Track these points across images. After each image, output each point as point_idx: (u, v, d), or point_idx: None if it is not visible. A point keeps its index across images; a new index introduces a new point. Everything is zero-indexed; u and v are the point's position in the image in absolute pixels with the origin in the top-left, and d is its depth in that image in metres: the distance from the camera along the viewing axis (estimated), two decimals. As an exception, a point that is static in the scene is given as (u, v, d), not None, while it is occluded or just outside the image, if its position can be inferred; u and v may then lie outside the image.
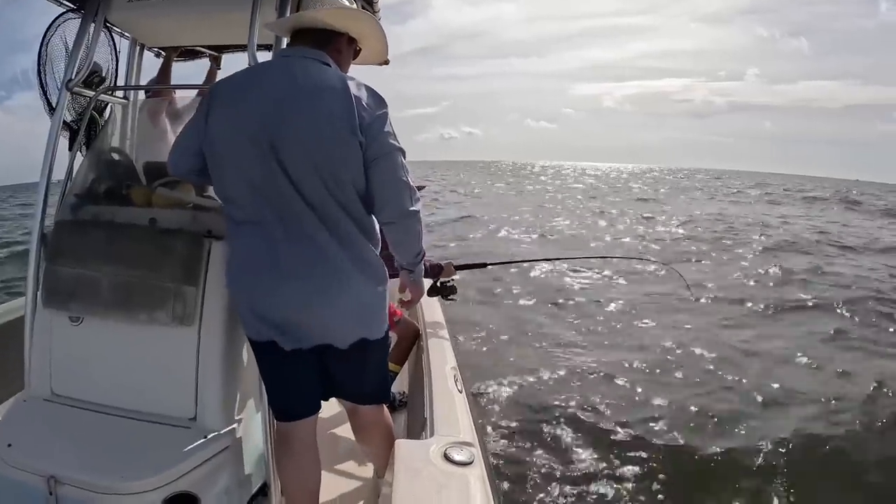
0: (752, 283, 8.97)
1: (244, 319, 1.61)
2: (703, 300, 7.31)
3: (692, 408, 4.47)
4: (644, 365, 5.29)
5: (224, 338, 1.78)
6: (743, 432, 4.12)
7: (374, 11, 2.20)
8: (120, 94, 2.33)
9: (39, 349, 1.90)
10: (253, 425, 1.88)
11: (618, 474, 3.55)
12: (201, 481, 1.62)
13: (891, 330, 6.60)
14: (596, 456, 3.75)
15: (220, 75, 2.62)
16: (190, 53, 2.64)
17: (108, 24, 2.21)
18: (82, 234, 1.87)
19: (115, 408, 1.79)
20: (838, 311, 7.31)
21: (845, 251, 12.41)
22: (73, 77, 2.03)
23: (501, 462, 3.62)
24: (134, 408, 1.79)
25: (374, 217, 1.56)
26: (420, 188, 3.12)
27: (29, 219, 2.00)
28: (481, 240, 13.48)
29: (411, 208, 1.52)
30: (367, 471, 2.30)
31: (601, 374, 5.08)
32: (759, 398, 4.65)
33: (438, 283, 2.89)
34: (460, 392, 1.84)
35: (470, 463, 1.25)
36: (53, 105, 2.08)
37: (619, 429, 4.07)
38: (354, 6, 1.71)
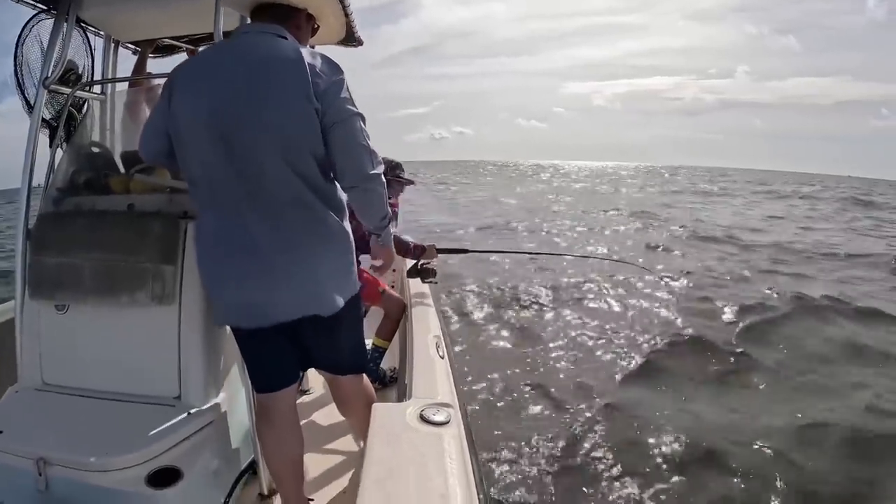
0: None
1: (212, 301, 1.63)
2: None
3: (670, 375, 4.75)
4: (621, 338, 5.78)
5: (204, 315, 1.80)
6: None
7: None
8: (97, 90, 2.37)
9: (29, 341, 1.94)
10: (238, 401, 1.90)
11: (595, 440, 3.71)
12: (184, 456, 1.64)
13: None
14: (579, 421, 3.95)
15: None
16: (167, 49, 2.67)
17: (81, 23, 2.25)
18: (64, 225, 1.90)
19: (103, 391, 1.83)
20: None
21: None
22: (49, 75, 2.06)
23: (483, 425, 3.77)
24: (121, 390, 1.82)
25: (336, 184, 1.57)
26: (409, 182, 3.12)
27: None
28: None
29: (372, 171, 1.51)
30: (354, 445, 2.31)
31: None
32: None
33: (419, 266, 2.88)
34: (442, 358, 1.83)
35: (447, 423, 1.24)
36: (32, 104, 2.11)
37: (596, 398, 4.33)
38: None
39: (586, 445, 3.61)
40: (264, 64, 1.45)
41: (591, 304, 7.19)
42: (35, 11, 2.16)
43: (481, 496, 1.22)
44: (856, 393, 4.46)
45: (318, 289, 1.53)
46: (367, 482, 1.01)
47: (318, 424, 2.51)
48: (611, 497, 3.10)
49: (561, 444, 3.62)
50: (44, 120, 2.11)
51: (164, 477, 1.57)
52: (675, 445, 3.64)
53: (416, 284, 2.85)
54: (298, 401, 1.82)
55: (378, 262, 1.81)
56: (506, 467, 3.32)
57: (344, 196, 1.60)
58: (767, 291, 7.52)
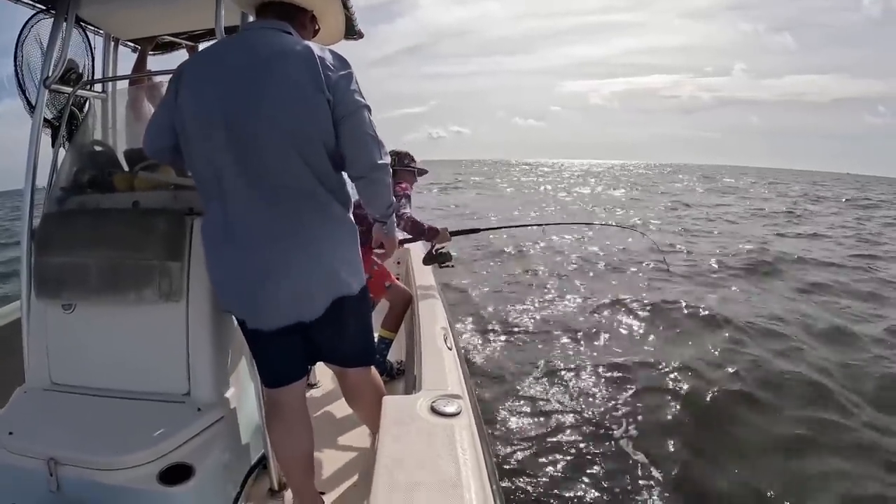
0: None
1: (219, 296, 1.64)
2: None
3: (675, 361, 4.70)
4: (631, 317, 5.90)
5: (212, 311, 1.80)
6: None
7: None
8: (98, 88, 2.37)
9: (36, 341, 1.93)
10: (247, 396, 1.90)
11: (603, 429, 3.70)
12: (195, 452, 1.64)
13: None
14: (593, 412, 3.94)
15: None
16: (167, 46, 2.67)
17: (81, 22, 2.24)
18: (68, 224, 1.90)
19: (112, 390, 1.82)
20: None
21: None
22: (49, 75, 2.06)
23: (496, 414, 3.80)
24: (129, 388, 1.81)
25: (344, 176, 1.58)
26: (423, 171, 3.09)
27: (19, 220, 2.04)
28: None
29: (380, 161, 1.52)
30: (364, 438, 2.30)
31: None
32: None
33: (434, 251, 2.86)
34: (450, 349, 1.83)
35: (457, 414, 1.24)
36: (33, 104, 2.11)
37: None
38: None
39: (601, 434, 3.59)
40: (274, 58, 1.45)
41: (603, 285, 7.27)
42: (34, 11, 2.15)
43: (494, 486, 1.21)
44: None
45: (336, 278, 1.54)
46: (380, 473, 1.00)
47: (327, 418, 2.51)
48: (627, 487, 3.07)
49: (574, 433, 3.59)
50: (46, 120, 2.11)
51: (176, 474, 1.57)
52: (694, 428, 3.64)
53: (422, 276, 2.83)
54: (307, 395, 1.82)
55: (380, 251, 1.81)
56: (518, 458, 3.30)
57: (351, 188, 1.60)
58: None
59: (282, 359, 1.65)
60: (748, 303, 6.65)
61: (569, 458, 3.33)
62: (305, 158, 1.46)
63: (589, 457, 3.35)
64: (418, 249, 3.44)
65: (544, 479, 3.12)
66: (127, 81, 2.51)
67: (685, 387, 4.28)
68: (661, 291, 7.01)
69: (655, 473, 3.17)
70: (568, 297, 6.89)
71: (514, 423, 3.71)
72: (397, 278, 3.10)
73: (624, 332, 5.64)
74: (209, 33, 2.53)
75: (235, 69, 1.45)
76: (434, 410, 1.24)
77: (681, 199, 23.52)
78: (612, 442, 3.50)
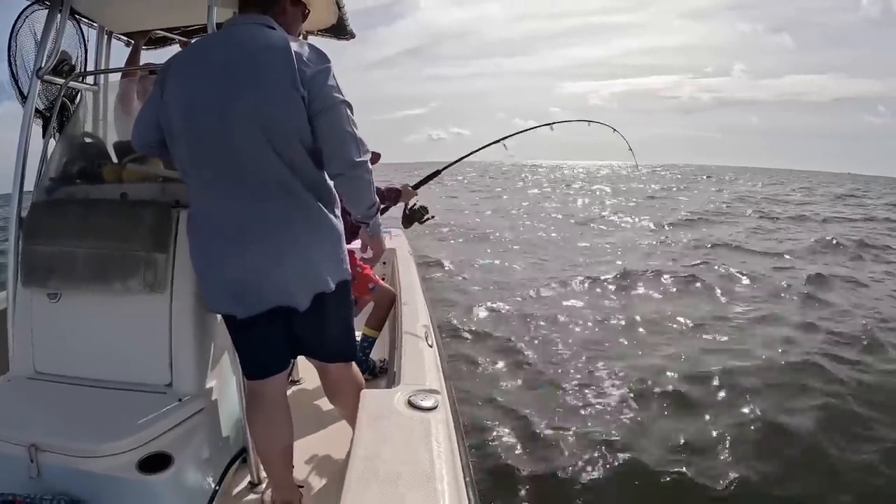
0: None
1: (203, 290, 1.65)
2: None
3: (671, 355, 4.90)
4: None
5: (195, 303, 1.81)
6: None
7: None
8: (90, 80, 2.38)
9: (21, 330, 1.94)
10: (229, 390, 1.92)
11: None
12: (175, 442, 1.65)
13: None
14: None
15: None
16: (160, 41, 2.69)
17: (75, 14, 2.26)
18: (56, 213, 1.91)
19: (95, 380, 1.83)
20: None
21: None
22: (42, 65, 2.07)
23: (475, 410, 3.90)
24: (113, 378, 1.83)
25: (326, 174, 1.59)
26: (377, 155, 3.01)
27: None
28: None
29: (358, 159, 1.53)
30: (344, 433, 2.32)
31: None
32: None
33: (408, 211, 2.81)
34: (430, 346, 1.85)
35: (434, 408, 1.26)
36: (25, 94, 2.12)
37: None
38: None
39: (579, 434, 3.64)
40: (251, 53, 1.47)
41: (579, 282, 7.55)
42: (29, 2, 2.17)
43: (468, 479, 1.24)
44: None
45: (317, 273, 1.55)
46: (354, 465, 1.03)
47: (308, 413, 2.52)
48: (598, 483, 3.14)
49: (548, 430, 3.66)
50: (37, 110, 2.12)
51: (156, 463, 1.58)
52: (672, 427, 3.72)
53: (406, 276, 2.85)
54: (289, 391, 1.84)
55: (368, 254, 1.82)
56: (493, 452, 3.37)
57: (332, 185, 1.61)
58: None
59: (263, 350, 1.67)
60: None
61: (542, 451, 3.41)
62: (281, 154, 1.47)
63: (563, 452, 3.43)
64: (404, 251, 3.45)
65: (519, 472, 3.19)
66: (119, 74, 2.53)
67: (670, 382, 4.41)
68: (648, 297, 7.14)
69: (631, 471, 3.24)
70: (547, 289, 7.23)
71: (491, 418, 3.79)
72: (383, 278, 3.11)
73: (602, 322, 5.94)
74: (202, 29, 2.55)
75: (217, 65, 1.48)
76: (411, 404, 1.27)
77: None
78: (586, 438, 3.57)
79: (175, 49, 2.71)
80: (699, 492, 3.07)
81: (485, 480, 3.03)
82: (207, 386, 1.84)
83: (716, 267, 8.72)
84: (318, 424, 2.41)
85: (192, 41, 2.71)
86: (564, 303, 6.87)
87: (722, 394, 4.24)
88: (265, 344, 1.66)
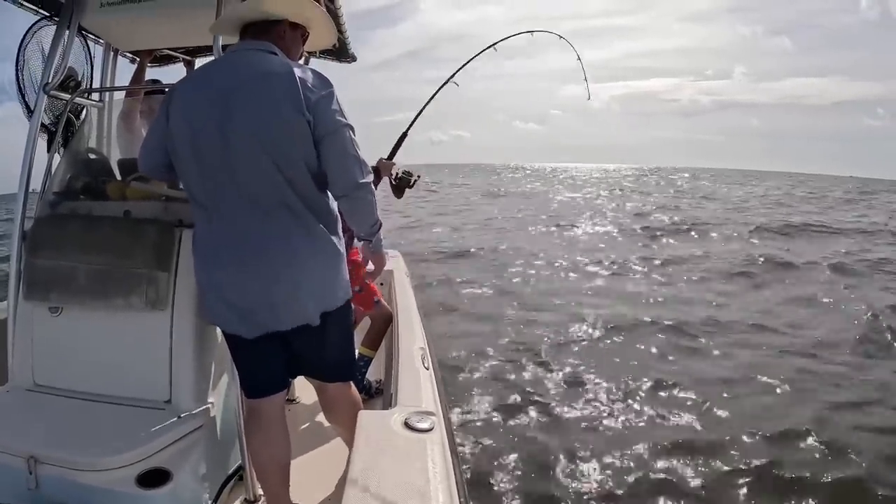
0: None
1: (209, 310, 1.68)
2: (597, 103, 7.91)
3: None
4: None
5: (196, 321, 1.84)
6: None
7: (335, 7, 2.26)
8: (95, 97, 2.42)
9: (22, 342, 1.97)
10: (227, 406, 1.94)
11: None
12: (174, 458, 1.67)
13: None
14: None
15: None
16: (164, 59, 2.73)
17: (83, 31, 2.30)
18: (60, 227, 1.94)
19: (95, 394, 1.86)
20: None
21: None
22: (49, 81, 2.11)
23: (468, 432, 3.90)
24: (112, 393, 1.85)
25: (329, 196, 1.63)
26: (415, 179, 3.04)
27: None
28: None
29: (361, 180, 1.57)
30: (341, 452, 2.35)
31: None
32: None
33: (394, 181, 2.79)
34: (427, 368, 1.90)
35: (430, 430, 1.30)
36: (32, 108, 2.16)
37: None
38: None
39: (574, 454, 3.67)
40: (256, 79, 1.50)
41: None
42: (38, 18, 2.21)
43: (462, 499, 1.28)
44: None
45: (318, 295, 1.59)
46: (351, 484, 1.07)
47: (305, 431, 2.54)
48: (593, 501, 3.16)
49: (544, 453, 3.67)
50: (42, 125, 2.15)
51: (155, 478, 1.60)
52: (667, 457, 3.69)
53: (403, 297, 2.89)
54: (287, 409, 1.87)
55: (370, 268, 1.86)
56: (487, 473, 3.38)
57: (335, 207, 1.66)
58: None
59: (263, 369, 1.70)
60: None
61: (537, 473, 3.42)
62: (287, 177, 1.51)
63: (559, 475, 3.44)
64: (401, 273, 3.49)
65: (513, 493, 3.21)
66: (123, 92, 2.57)
67: (668, 404, 4.40)
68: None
69: (626, 491, 3.27)
70: (545, 311, 7.05)
71: (487, 441, 3.79)
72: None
73: (597, 343, 5.86)
74: (206, 48, 2.59)
75: (219, 91, 1.51)
76: (408, 426, 1.31)
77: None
78: (584, 462, 3.58)
79: (179, 67, 2.76)
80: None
81: (479, 501, 3.05)
82: (206, 403, 1.87)
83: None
84: (314, 442, 2.43)
85: (195, 60, 2.77)
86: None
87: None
88: (266, 363, 1.68)
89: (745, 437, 3.85)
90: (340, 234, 1.66)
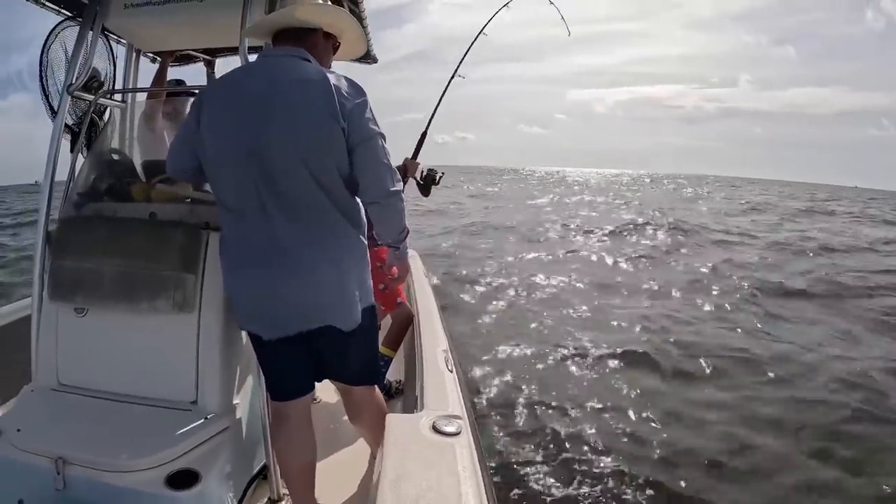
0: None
1: (237, 313, 1.70)
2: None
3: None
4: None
5: (223, 323, 1.85)
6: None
7: (360, 10, 2.28)
8: (118, 97, 2.42)
9: (46, 341, 1.97)
10: (252, 408, 1.96)
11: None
12: (202, 459, 1.69)
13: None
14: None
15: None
16: (185, 58, 2.73)
17: (105, 31, 2.30)
18: (85, 229, 1.95)
19: (120, 394, 1.87)
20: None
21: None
22: (73, 82, 2.11)
23: (494, 435, 3.89)
24: (138, 393, 1.86)
25: (358, 200, 1.64)
26: (440, 176, 3.06)
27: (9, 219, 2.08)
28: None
29: (392, 188, 1.59)
30: (364, 453, 2.36)
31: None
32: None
33: (420, 181, 2.90)
34: (451, 371, 1.90)
35: (458, 434, 1.31)
36: (55, 109, 2.16)
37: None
38: (328, 2, 1.78)
39: (600, 457, 3.64)
40: (293, 85, 1.51)
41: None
42: (61, 18, 2.21)
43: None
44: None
45: (338, 300, 1.60)
46: (384, 488, 1.08)
47: (329, 432, 2.54)
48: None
49: (572, 455, 3.66)
50: (66, 125, 2.16)
51: (184, 479, 1.61)
52: (693, 461, 3.66)
53: (423, 298, 2.89)
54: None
55: (395, 273, 1.88)
56: (514, 477, 3.37)
57: (364, 212, 1.67)
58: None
59: (290, 373, 1.72)
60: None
61: (565, 478, 3.40)
62: (321, 183, 1.53)
63: (586, 477, 3.43)
64: (420, 273, 3.50)
65: (541, 496, 3.20)
66: (146, 92, 2.58)
67: (698, 419, 4.28)
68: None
69: (652, 495, 3.26)
70: (566, 310, 7.06)
71: (511, 444, 3.78)
72: None
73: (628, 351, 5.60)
74: (227, 49, 2.60)
75: (254, 96, 1.52)
76: (436, 429, 1.31)
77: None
78: (617, 470, 3.53)
79: (200, 66, 2.76)
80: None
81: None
82: (232, 404, 1.88)
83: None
84: (338, 443, 2.44)
85: (216, 60, 2.77)
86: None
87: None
88: (292, 367, 1.70)
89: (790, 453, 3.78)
90: (365, 237, 1.68)
